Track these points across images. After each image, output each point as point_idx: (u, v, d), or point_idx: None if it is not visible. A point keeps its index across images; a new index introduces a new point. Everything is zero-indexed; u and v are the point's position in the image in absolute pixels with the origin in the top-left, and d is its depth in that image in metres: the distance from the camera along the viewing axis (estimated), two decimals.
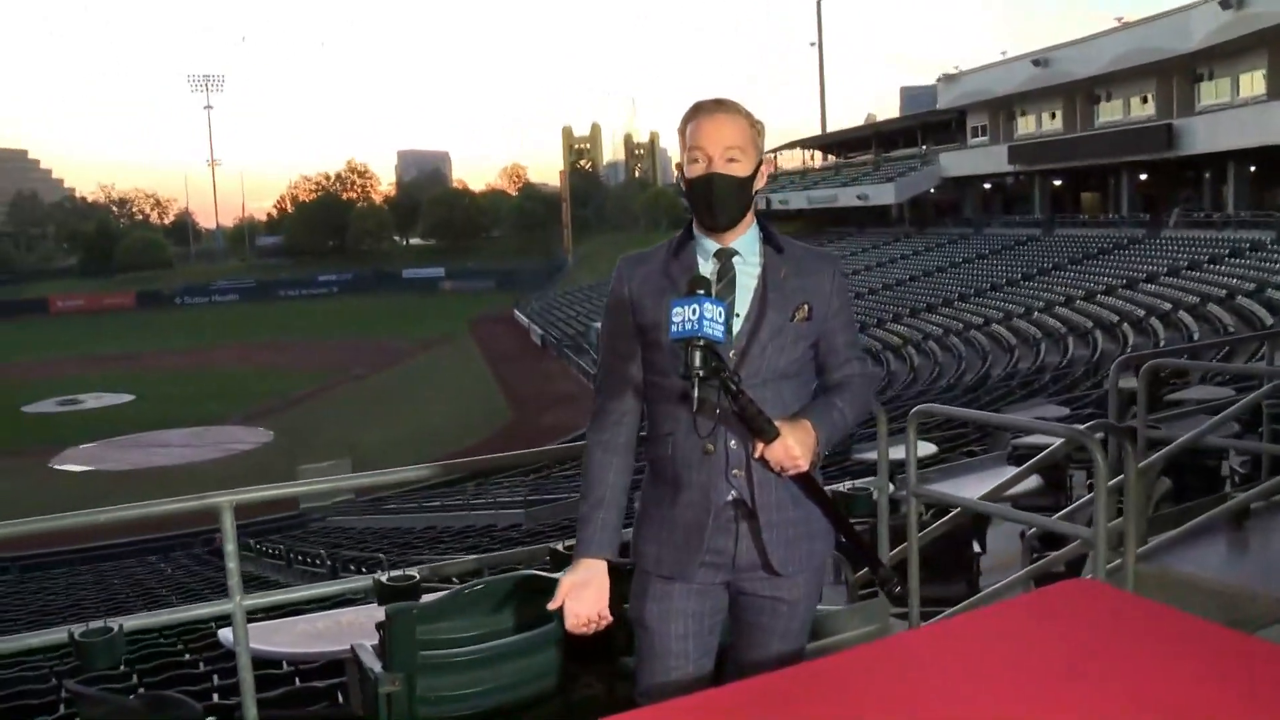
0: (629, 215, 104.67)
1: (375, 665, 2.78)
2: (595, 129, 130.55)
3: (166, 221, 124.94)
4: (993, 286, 43.07)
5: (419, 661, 2.71)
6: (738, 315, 2.60)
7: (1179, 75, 43.14)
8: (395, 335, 69.01)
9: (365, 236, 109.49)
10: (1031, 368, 29.31)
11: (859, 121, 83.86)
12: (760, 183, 2.64)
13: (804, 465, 2.52)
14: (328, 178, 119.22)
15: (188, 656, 8.73)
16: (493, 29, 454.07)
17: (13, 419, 48.04)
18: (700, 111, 2.61)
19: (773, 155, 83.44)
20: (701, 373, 2.34)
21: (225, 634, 5.50)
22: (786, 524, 2.62)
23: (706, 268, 2.63)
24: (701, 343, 2.34)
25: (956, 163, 57.55)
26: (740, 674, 2.62)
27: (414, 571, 3.42)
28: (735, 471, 2.59)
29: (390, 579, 3.39)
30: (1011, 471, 8.10)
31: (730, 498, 2.60)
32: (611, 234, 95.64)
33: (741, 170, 2.58)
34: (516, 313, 74.64)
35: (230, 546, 3.33)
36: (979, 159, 55.91)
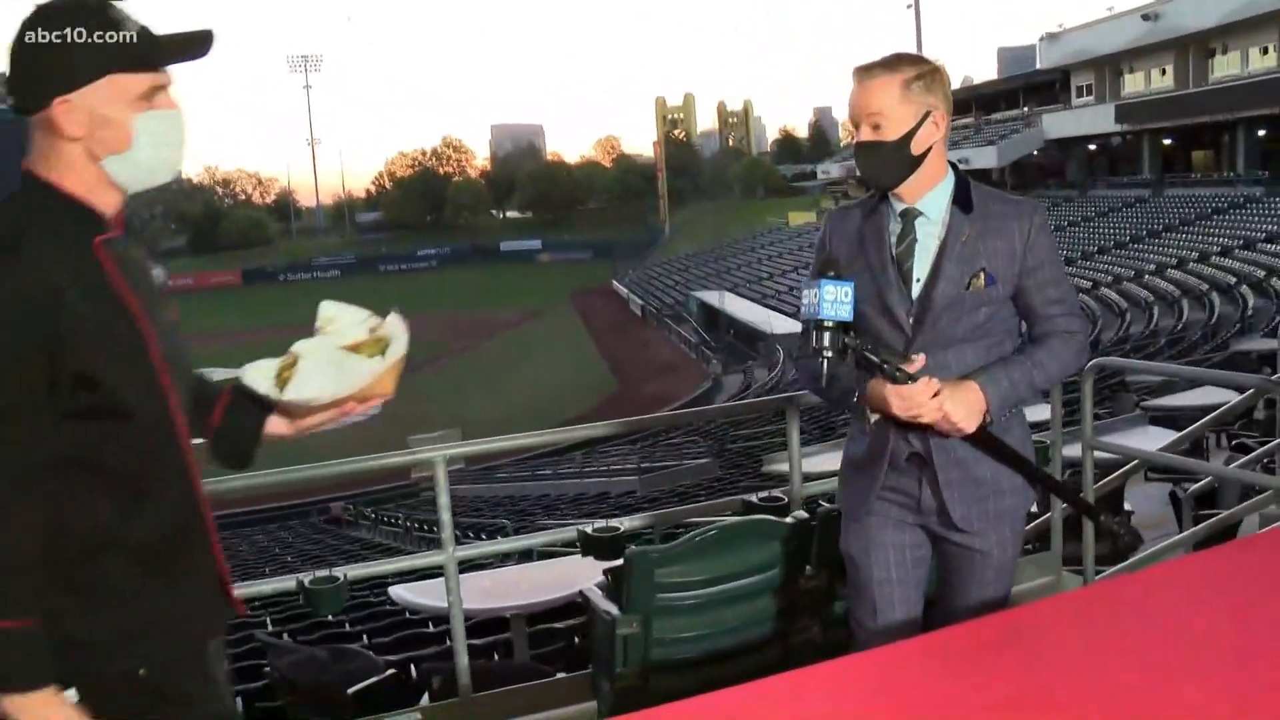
0: (724, 185, 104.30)
1: (612, 608, 2.90)
2: (689, 98, 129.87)
3: (268, 200, 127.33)
4: (1100, 250, 42.11)
5: (655, 604, 2.82)
6: (917, 280, 2.62)
7: None
8: (496, 308, 69.69)
9: (462, 210, 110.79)
10: (1144, 332, 28.65)
11: (955, 85, 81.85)
12: (933, 135, 2.60)
13: (966, 428, 2.54)
14: (424, 154, 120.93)
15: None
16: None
17: None
18: (853, 80, 2.63)
19: None
20: (829, 353, 2.41)
21: (396, 591, 5.70)
22: (968, 482, 2.65)
23: (894, 228, 2.66)
24: (830, 324, 2.41)
25: (1060, 124, 56.25)
26: (945, 620, 2.69)
27: (617, 523, 3.54)
28: (912, 431, 2.63)
29: (595, 530, 3.50)
30: (1154, 431, 8.05)
31: (908, 452, 2.66)
32: (707, 203, 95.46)
33: (887, 134, 2.57)
34: (615, 283, 74.93)
35: (444, 498, 3.49)
36: (1084, 119, 54.54)
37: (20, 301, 1.77)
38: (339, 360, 2.02)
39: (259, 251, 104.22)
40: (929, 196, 2.64)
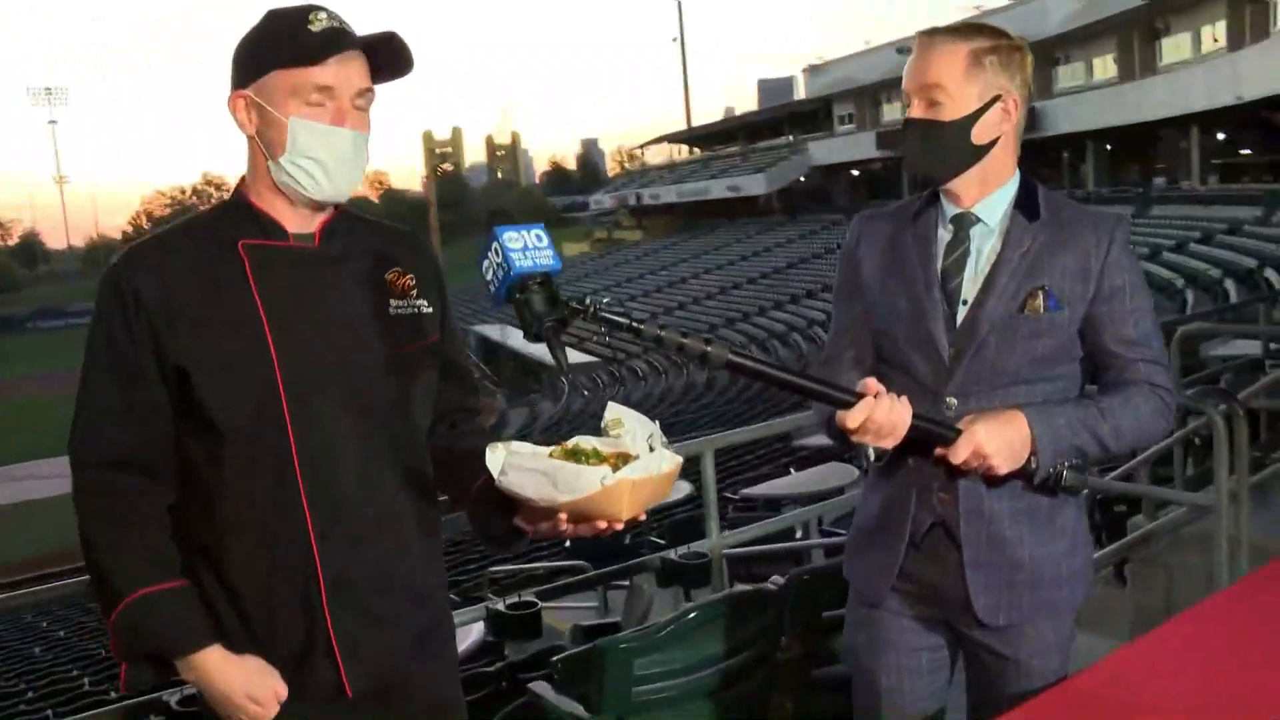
0: (497, 217, 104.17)
1: (575, 708, 2.43)
2: (457, 132, 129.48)
3: (10, 243, 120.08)
4: None
5: (632, 700, 2.38)
6: (964, 303, 2.09)
7: (1038, 60, 44.05)
8: None
9: None
10: None
11: (719, 115, 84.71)
12: (1002, 124, 2.07)
13: (999, 467, 1.97)
14: (182, 191, 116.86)
15: None
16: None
17: None
18: (914, 49, 2.10)
19: (640, 150, 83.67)
20: (549, 320, 1.73)
21: None
22: (1002, 566, 2.10)
23: (944, 236, 2.13)
24: (539, 278, 1.73)
25: (826, 151, 58.38)
26: None
27: (532, 597, 3.06)
28: (942, 495, 2.11)
29: (509, 606, 3.01)
30: None
31: (929, 523, 2.13)
32: (480, 236, 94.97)
33: (945, 113, 2.03)
34: None
35: None
36: (848, 146, 56.74)
37: (124, 294, 1.76)
38: (553, 463, 1.68)
39: (3, 298, 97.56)
40: (989, 200, 2.11)
